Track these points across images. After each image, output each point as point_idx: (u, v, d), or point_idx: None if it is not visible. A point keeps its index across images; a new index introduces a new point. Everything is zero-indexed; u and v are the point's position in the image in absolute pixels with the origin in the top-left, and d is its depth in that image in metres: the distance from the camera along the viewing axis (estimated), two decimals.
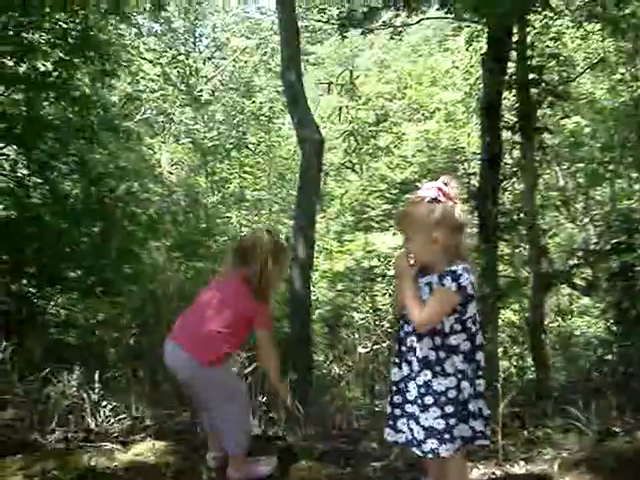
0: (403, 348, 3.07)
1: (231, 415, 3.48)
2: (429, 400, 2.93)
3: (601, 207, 14.00)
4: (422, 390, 2.95)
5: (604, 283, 8.87)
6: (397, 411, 3.08)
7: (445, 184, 3.01)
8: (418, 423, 2.95)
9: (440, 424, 2.91)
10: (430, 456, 2.93)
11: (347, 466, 3.78)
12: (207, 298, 3.58)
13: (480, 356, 3.04)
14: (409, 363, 3.02)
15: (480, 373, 3.05)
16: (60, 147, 8.37)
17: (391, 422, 3.10)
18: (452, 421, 2.93)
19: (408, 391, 3.01)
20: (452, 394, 2.93)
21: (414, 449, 2.98)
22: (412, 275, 3.00)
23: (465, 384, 2.96)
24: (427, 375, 2.95)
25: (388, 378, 3.24)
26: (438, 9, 10.64)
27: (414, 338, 3.00)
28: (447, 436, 2.91)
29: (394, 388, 3.11)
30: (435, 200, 2.96)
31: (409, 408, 3.00)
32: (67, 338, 8.33)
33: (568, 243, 14.45)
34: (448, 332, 2.95)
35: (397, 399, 3.09)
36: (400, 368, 3.07)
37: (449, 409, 2.92)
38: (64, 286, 8.44)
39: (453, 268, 2.93)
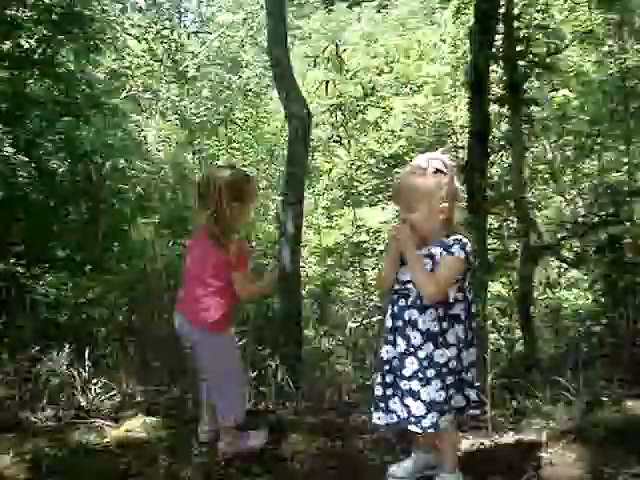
0: (399, 323, 3.02)
1: (227, 385, 3.50)
2: (431, 373, 2.92)
3: (589, 180, 14.02)
4: (424, 363, 2.93)
5: (592, 255, 8.90)
6: (389, 391, 3.05)
7: (440, 157, 3.01)
8: (418, 398, 2.93)
9: (441, 396, 2.92)
10: (430, 431, 2.94)
11: (338, 439, 3.80)
12: (189, 260, 3.58)
13: (474, 324, 3.07)
14: (406, 338, 2.98)
15: (474, 342, 3.08)
16: (46, 125, 8.31)
17: (382, 404, 3.07)
18: (451, 392, 2.95)
19: (404, 367, 2.98)
20: (452, 364, 2.95)
21: (412, 427, 2.96)
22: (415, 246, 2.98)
23: (464, 354, 2.99)
24: (429, 347, 2.94)
25: (378, 357, 3.20)
26: None
27: (414, 312, 2.98)
28: (446, 407, 2.93)
29: (386, 367, 3.07)
30: (439, 171, 2.95)
31: (405, 385, 2.97)
32: (57, 317, 8.32)
33: (556, 216, 14.48)
34: (452, 302, 2.96)
35: (389, 379, 3.05)
36: (394, 345, 3.03)
37: (449, 380, 2.94)
38: (53, 265, 8.42)
39: (457, 237, 2.95)
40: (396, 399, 3.02)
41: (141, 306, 6.92)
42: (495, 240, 10.36)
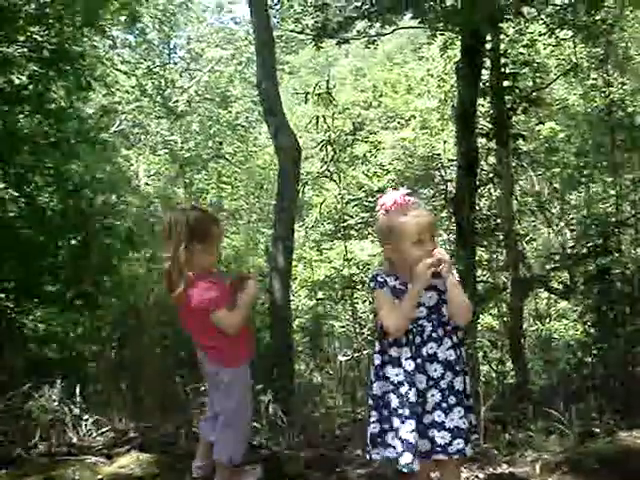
0: (419, 361, 2.97)
1: (233, 422, 3.44)
2: (452, 400, 2.96)
3: (577, 211, 14.13)
4: (446, 392, 2.96)
5: (581, 286, 8.94)
6: (385, 426, 3.00)
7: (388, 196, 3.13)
8: (443, 428, 2.94)
9: (465, 423, 2.95)
10: (456, 457, 2.95)
11: (333, 473, 3.79)
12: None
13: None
14: (427, 374, 2.97)
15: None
16: (36, 160, 8.33)
17: (379, 439, 3.02)
18: (469, 417, 3.00)
19: (426, 402, 2.96)
20: (468, 390, 3.03)
21: (436, 456, 2.95)
22: None
23: (467, 377, 3.05)
24: (449, 376, 2.97)
25: (369, 393, 3.11)
26: (412, 18, 10.72)
27: (433, 345, 2.99)
28: (469, 435, 2.98)
29: (380, 402, 3.03)
30: (382, 209, 3.13)
31: (427, 419, 2.95)
32: (47, 352, 8.27)
33: (545, 247, 14.56)
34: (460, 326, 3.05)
35: (412, 425, 2.92)
36: (414, 385, 2.95)
37: (469, 404, 3.02)
38: (43, 300, 8.38)
39: None
40: (417, 434, 2.92)
41: (132, 341, 6.90)
42: (484, 272, 10.39)
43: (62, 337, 8.38)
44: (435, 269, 2.93)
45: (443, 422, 2.94)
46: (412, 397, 2.93)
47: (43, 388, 4.84)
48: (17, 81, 8.36)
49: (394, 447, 2.95)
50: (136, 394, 5.88)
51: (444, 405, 2.95)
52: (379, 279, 3.05)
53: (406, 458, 2.88)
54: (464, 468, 3.77)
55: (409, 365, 2.98)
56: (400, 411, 2.94)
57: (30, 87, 8.28)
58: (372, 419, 3.06)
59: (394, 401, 2.97)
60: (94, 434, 4.39)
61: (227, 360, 3.40)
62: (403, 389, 2.95)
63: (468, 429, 2.96)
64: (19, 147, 8.09)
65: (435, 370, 2.97)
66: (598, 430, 4.41)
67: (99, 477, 3.70)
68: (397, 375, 2.99)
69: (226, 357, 3.40)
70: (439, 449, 2.94)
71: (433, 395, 2.96)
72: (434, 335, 2.99)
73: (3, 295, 7.99)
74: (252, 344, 3.61)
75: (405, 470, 2.88)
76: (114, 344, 7.70)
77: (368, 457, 3.09)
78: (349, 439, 4.70)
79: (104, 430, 4.45)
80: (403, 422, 2.92)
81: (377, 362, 3.08)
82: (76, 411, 4.56)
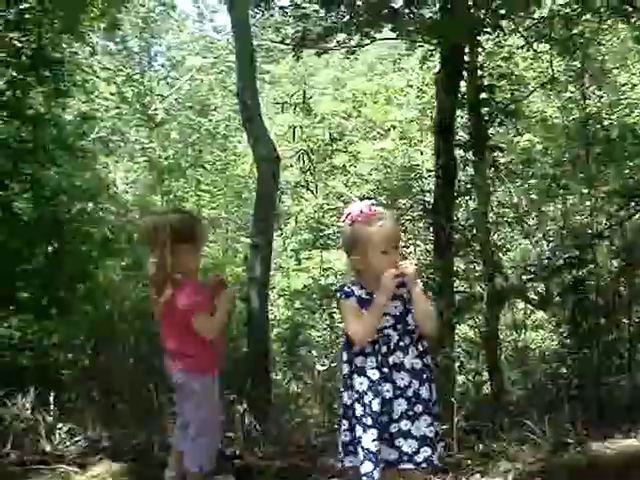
0: (385, 370, 2.98)
1: (202, 431, 3.44)
2: (418, 408, 2.95)
3: (554, 223, 14.21)
4: (413, 400, 2.96)
5: (557, 297, 9.00)
6: (374, 445, 2.92)
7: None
8: (410, 436, 2.94)
9: (431, 432, 2.95)
10: (424, 465, 2.94)
11: None
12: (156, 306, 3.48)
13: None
14: (393, 383, 2.97)
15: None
16: (13, 166, 8.28)
17: (351, 447, 3.01)
18: (435, 426, 2.99)
19: (392, 411, 2.96)
20: (434, 398, 3.01)
21: (404, 465, 2.94)
22: None
23: (433, 385, 3.04)
24: (415, 384, 2.97)
25: (340, 403, 3.14)
26: (391, 30, 10.75)
27: (399, 354, 2.99)
28: (436, 443, 2.97)
29: (349, 412, 3.03)
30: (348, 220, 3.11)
31: (394, 428, 2.96)
32: (21, 360, 8.19)
33: (522, 258, 14.63)
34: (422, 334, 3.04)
35: (375, 434, 2.94)
36: (380, 396, 2.95)
37: (435, 412, 3.01)
38: (17, 307, 8.31)
39: None
40: (386, 443, 2.95)
41: (107, 349, 6.86)
42: (461, 282, 10.43)
43: (36, 344, 8.31)
44: (400, 279, 2.96)
45: (410, 430, 2.94)
46: (375, 406, 2.94)
47: (16, 396, 4.79)
48: None
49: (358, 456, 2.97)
50: (109, 402, 5.84)
51: (410, 413, 2.95)
52: (346, 289, 3.06)
53: (366, 467, 2.89)
54: (436, 478, 3.78)
55: (374, 374, 2.98)
56: (364, 420, 2.94)
57: (8, 93, 8.23)
58: (343, 427, 3.07)
59: (358, 410, 2.97)
60: (67, 443, 4.35)
61: (199, 369, 3.39)
62: (367, 398, 2.95)
63: (435, 438, 2.97)
64: None
65: (402, 379, 2.97)
66: (571, 440, 4.43)
67: None
68: (361, 384, 2.99)
69: (198, 366, 3.39)
70: (406, 458, 2.94)
71: (400, 404, 2.95)
72: (400, 344, 2.99)
73: None
74: (222, 354, 3.60)
75: (365, 479, 2.89)
76: (89, 352, 7.66)
77: (341, 465, 3.12)
78: (324, 449, 4.69)
79: (77, 439, 4.41)
80: (365, 431, 2.92)
81: (345, 371, 3.09)
82: (50, 419, 4.52)
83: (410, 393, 2.97)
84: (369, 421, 2.92)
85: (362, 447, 2.91)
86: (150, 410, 5.38)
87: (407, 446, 2.94)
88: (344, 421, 3.07)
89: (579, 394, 7.21)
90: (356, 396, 3.00)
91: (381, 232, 2.97)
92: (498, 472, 3.90)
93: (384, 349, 3.00)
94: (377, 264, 2.96)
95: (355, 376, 3.03)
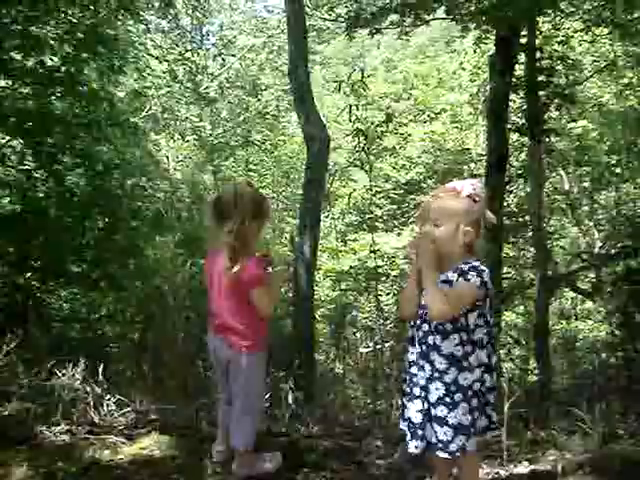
0: (423, 348, 3.01)
1: (252, 408, 3.47)
2: (458, 397, 2.92)
3: (606, 211, 13.97)
4: (452, 388, 2.92)
5: (608, 287, 8.85)
6: (418, 417, 3.00)
7: (474, 185, 3.03)
8: (446, 424, 2.91)
9: (468, 419, 2.91)
10: (457, 455, 2.92)
11: (352, 464, 3.78)
12: (210, 282, 3.51)
13: (494, 350, 3.09)
14: (431, 362, 2.97)
15: (494, 366, 3.08)
16: (67, 141, 8.38)
17: (419, 431, 3.01)
18: (476, 414, 2.95)
19: (429, 392, 2.96)
20: (477, 387, 2.95)
21: (439, 452, 2.94)
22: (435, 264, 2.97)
23: (487, 376, 2.98)
24: (454, 371, 2.93)
25: (404, 382, 3.15)
26: (445, 13, 10.62)
27: (438, 337, 2.97)
28: (472, 430, 2.93)
29: (419, 392, 3.02)
30: (471, 197, 2.98)
31: (432, 411, 2.96)
32: (71, 332, 8.33)
33: (571, 246, 14.42)
34: (473, 328, 2.96)
35: (419, 405, 3.00)
36: (423, 369, 3.00)
37: (474, 403, 2.94)
38: (68, 280, 8.44)
39: (475, 264, 2.95)
40: (425, 424, 2.99)
41: (156, 324, 6.92)
42: (510, 269, 10.32)
43: (86, 317, 8.44)
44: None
45: (446, 417, 2.91)
46: (417, 379, 3.04)
47: (67, 367, 4.85)
48: (50, 62, 8.40)
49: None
50: (158, 376, 5.90)
51: (447, 400, 2.92)
52: None
53: (411, 445, 3.02)
54: (484, 464, 3.74)
55: (414, 347, 3.08)
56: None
57: (63, 68, 8.31)
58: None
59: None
60: (115, 414, 4.39)
61: (248, 346, 3.40)
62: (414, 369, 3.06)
63: (471, 424, 2.92)
64: (51, 128, 8.13)
65: (440, 363, 2.95)
66: (622, 432, 4.34)
67: (119, 457, 3.71)
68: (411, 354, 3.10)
69: (248, 342, 3.40)
70: (441, 445, 2.93)
71: (438, 389, 2.94)
72: (440, 327, 2.96)
73: (29, 274, 8.06)
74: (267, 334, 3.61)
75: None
76: (137, 326, 7.75)
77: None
78: (368, 430, 4.67)
79: (125, 411, 4.45)
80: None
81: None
82: (98, 391, 4.57)
83: (448, 379, 2.93)
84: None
85: (404, 417, 3.11)
86: (198, 385, 5.43)
87: (442, 433, 2.93)
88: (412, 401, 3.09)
89: (628, 386, 7.10)
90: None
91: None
92: (546, 461, 3.84)
93: (425, 326, 3.01)
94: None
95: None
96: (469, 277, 2.91)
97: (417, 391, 3.01)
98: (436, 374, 2.95)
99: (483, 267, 2.96)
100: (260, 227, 3.45)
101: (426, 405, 2.98)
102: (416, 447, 3.01)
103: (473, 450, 2.95)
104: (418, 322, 3.05)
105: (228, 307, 3.42)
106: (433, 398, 2.95)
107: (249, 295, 3.36)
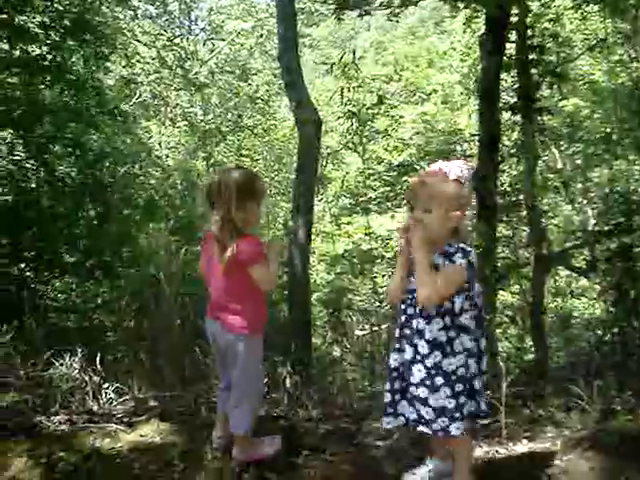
0: (407, 331, 3.06)
1: (250, 393, 3.49)
2: (439, 381, 2.94)
3: (600, 188, 13.98)
4: (432, 372, 2.95)
5: (603, 264, 8.86)
6: (397, 396, 3.10)
7: (461, 167, 3.02)
8: (427, 404, 2.95)
9: (451, 403, 2.93)
10: (440, 434, 2.95)
11: (351, 446, 3.79)
12: (205, 267, 3.54)
13: (483, 334, 3.08)
14: (414, 346, 3.01)
15: (483, 351, 3.08)
16: (57, 130, 8.34)
17: (390, 410, 3.11)
18: (462, 399, 2.96)
19: (412, 375, 3.00)
20: (461, 372, 2.97)
21: (422, 427, 2.99)
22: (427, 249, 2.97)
23: (471, 362, 2.99)
24: (437, 356, 2.96)
25: (386, 364, 3.23)
26: None
27: (421, 320, 2.99)
28: (457, 414, 2.94)
29: (394, 374, 3.11)
30: (458, 179, 2.97)
31: (414, 391, 2.99)
32: (66, 322, 8.32)
33: (565, 225, 14.44)
34: (458, 312, 2.96)
35: (397, 385, 3.10)
36: (402, 352, 3.07)
37: (459, 387, 2.96)
38: (62, 270, 8.43)
39: (461, 245, 2.95)
40: (404, 402, 3.07)
41: (151, 311, 6.91)
42: (504, 248, 10.33)
43: (81, 307, 8.43)
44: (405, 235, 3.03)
45: (427, 399, 2.95)
46: (392, 362, 3.15)
47: (64, 356, 4.85)
48: (37, 51, 8.34)
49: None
50: (156, 364, 5.90)
51: (428, 383, 2.96)
52: None
53: (384, 421, 3.14)
54: (483, 443, 3.76)
55: (398, 330, 3.14)
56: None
57: (50, 57, 8.26)
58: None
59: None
60: (114, 402, 4.40)
61: (246, 330, 3.40)
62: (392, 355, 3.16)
63: (455, 408, 2.94)
64: (40, 117, 8.09)
65: (422, 346, 2.98)
66: (620, 408, 4.36)
67: (120, 445, 3.71)
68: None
69: (245, 326, 3.40)
70: (423, 421, 2.99)
71: (420, 370, 2.98)
72: (424, 312, 2.99)
73: (23, 265, 8.04)
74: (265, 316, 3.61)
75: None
76: (133, 314, 7.73)
77: None
78: (367, 412, 4.69)
79: (124, 399, 4.46)
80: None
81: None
82: (96, 379, 4.57)
83: (430, 363, 2.96)
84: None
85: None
86: (196, 371, 5.43)
87: (425, 412, 2.97)
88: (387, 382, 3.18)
89: (624, 362, 7.12)
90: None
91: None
92: (545, 438, 3.86)
93: (410, 310, 3.05)
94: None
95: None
96: (455, 259, 2.92)
97: (392, 373, 3.11)
98: (418, 357, 2.99)
99: (468, 248, 2.97)
100: (254, 206, 3.43)
101: (400, 385, 3.07)
102: (388, 423, 3.12)
103: (459, 434, 2.96)
104: (403, 306, 3.10)
105: (226, 288, 3.42)
106: (415, 379, 2.99)
107: (249, 273, 3.35)
